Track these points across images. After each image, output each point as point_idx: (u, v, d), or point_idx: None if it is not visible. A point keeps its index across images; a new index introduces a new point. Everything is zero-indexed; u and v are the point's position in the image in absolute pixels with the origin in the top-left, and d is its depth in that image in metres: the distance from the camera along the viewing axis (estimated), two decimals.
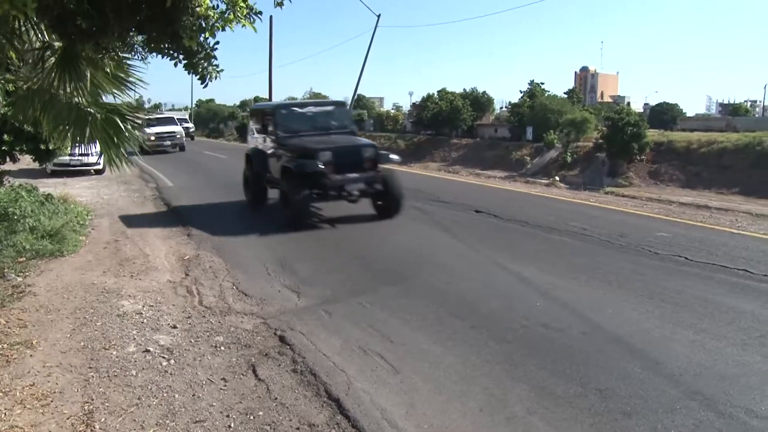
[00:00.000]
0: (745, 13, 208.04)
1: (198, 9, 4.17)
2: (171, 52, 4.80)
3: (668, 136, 32.87)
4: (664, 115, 57.39)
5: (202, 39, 4.77)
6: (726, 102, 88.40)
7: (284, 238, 10.59)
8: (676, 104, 62.49)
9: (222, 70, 5.23)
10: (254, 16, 4.99)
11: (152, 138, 29.92)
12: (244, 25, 4.73)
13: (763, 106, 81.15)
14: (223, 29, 4.60)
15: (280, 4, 5.38)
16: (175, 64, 4.91)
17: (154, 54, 4.96)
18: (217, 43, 5.07)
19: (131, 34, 5.02)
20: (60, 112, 6.65)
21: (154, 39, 4.64)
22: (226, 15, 4.48)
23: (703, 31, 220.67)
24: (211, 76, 5.13)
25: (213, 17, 4.31)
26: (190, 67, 4.96)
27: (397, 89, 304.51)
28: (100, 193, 16.73)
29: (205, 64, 4.99)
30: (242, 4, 4.59)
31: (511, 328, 6.07)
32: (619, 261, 8.62)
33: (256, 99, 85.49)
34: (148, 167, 23.34)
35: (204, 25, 4.34)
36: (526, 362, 5.28)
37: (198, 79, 5.09)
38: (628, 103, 60.99)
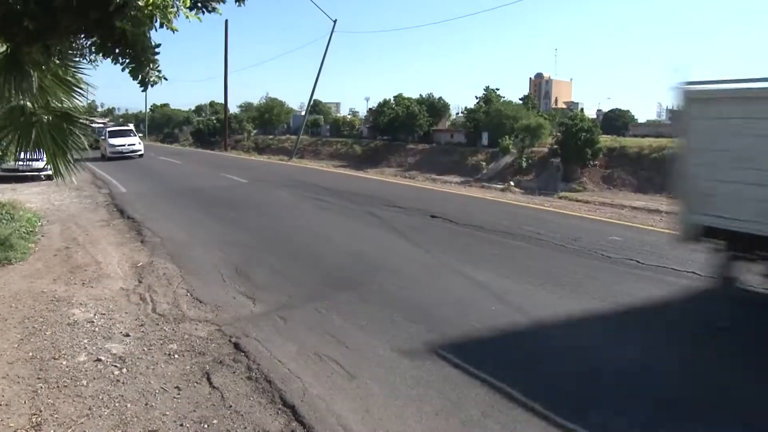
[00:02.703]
0: (696, 23, 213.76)
1: (140, 2, 4.07)
2: (118, 56, 4.70)
3: (620, 142, 33.51)
4: (616, 121, 58.60)
5: (144, 42, 4.66)
6: (675, 108, 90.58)
7: (239, 244, 10.50)
8: (628, 110, 63.83)
9: (164, 77, 5.12)
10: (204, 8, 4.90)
11: None
12: (187, 17, 4.63)
13: None
14: (174, 18, 4.49)
15: (241, 1, 5.32)
16: (123, 69, 4.80)
17: (102, 57, 4.83)
18: (158, 45, 4.97)
19: (80, 36, 4.90)
20: (5, 116, 6.49)
21: (102, 41, 4.54)
22: (171, 6, 4.38)
23: (654, 39, 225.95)
24: (151, 81, 5.02)
25: (156, 11, 4.20)
26: (132, 72, 4.83)
27: (354, 94, 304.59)
28: (51, 199, 16.33)
29: (147, 69, 4.87)
30: None
31: (465, 333, 6.12)
32: (572, 265, 8.76)
33: (212, 104, 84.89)
34: (100, 173, 22.93)
35: (145, 18, 4.24)
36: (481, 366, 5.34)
37: (138, 83, 4.97)
38: (582, 109, 61.94)
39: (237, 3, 5.38)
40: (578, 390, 4.84)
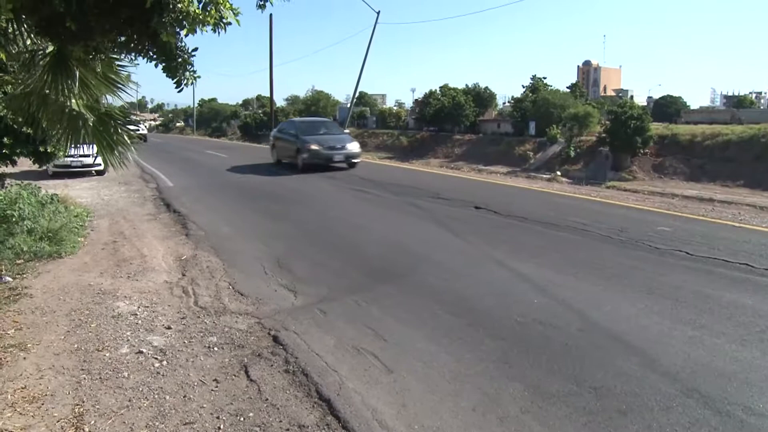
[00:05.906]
0: (750, 5, 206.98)
1: (179, 5, 4.13)
2: (150, 54, 4.78)
3: (672, 129, 32.61)
4: (667, 108, 57.07)
5: (180, 44, 4.75)
6: (730, 94, 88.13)
7: (282, 237, 10.56)
8: (680, 97, 62.01)
9: (199, 77, 5.22)
10: (228, 18, 4.94)
11: None
12: (215, 27, 4.68)
13: None
14: (204, 25, 4.56)
15: (262, 6, 5.37)
16: (156, 65, 4.89)
17: (134, 55, 4.94)
18: (195, 49, 5.07)
19: (115, 35, 4.99)
20: (53, 115, 6.65)
21: (134, 40, 4.62)
22: (207, 10, 4.43)
23: (707, 22, 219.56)
24: (187, 82, 5.12)
25: (193, 13, 4.26)
26: (168, 71, 4.94)
27: (400, 86, 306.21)
28: (101, 193, 16.72)
29: (182, 71, 4.97)
30: (227, 4, 4.54)
31: (507, 326, 6.02)
32: (618, 256, 8.56)
33: (259, 98, 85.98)
34: (149, 167, 23.37)
35: (184, 23, 4.30)
36: (522, 360, 5.24)
37: (174, 83, 5.07)
38: (632, 97, 60.73)
39: (257, 7, 5.44)
40: (623, 387, 4.71)
